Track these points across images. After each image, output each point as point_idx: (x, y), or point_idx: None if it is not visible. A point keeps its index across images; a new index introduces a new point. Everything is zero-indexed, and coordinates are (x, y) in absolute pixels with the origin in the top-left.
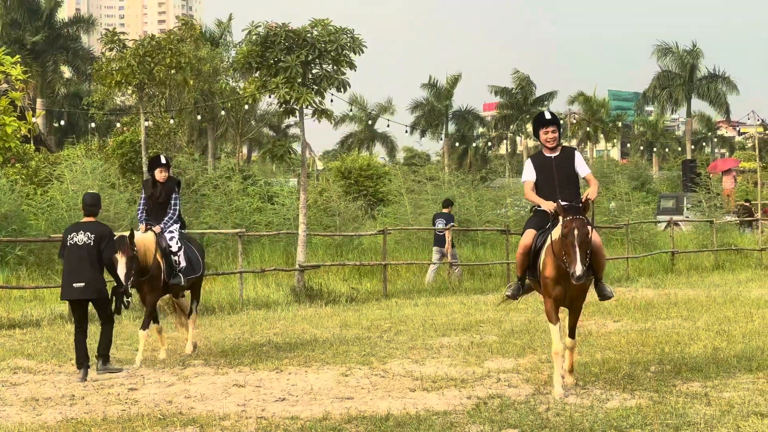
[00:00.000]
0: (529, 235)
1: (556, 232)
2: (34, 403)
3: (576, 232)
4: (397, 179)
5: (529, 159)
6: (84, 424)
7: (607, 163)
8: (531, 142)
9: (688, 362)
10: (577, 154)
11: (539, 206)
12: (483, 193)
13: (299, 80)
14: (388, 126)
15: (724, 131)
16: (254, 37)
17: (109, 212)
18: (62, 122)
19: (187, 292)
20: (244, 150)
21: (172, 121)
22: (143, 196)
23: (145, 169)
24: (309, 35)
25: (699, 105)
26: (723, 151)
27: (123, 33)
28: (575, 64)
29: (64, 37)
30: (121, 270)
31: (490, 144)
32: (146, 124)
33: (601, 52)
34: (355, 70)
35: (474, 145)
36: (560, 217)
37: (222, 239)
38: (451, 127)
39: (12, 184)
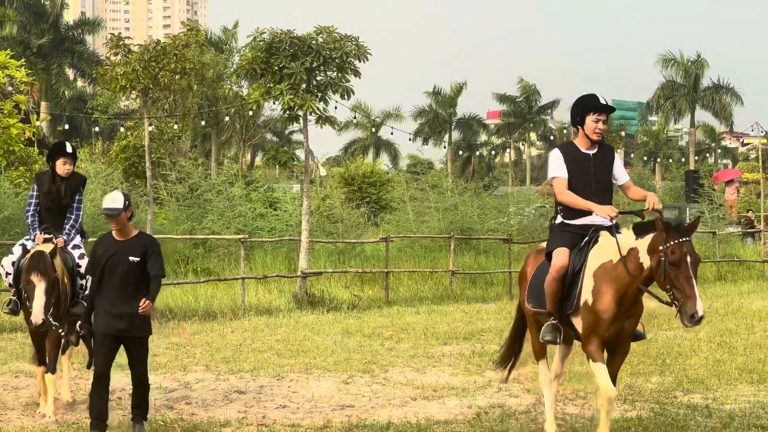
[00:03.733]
0: (564, 254)
1: (611, 253)
2: (36, 407)
3: (689, 259)
4: (400, 186)
5: (558, 150)
6: (84, 428)
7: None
8: (534, 150)
9: (689, 374)
10: (617, 155)
11: (588, 213)
12: (486, 201)
13: (303, 87)
14: (392, 133)
15: (728, 142)
16: (259, 44)
17: None
18: (66, 126)
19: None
20: (248, 156)
21: (176, 126)
22: (35, 193)
23: (148, 174)
24: (314, 42)
25: (703, 115)
26: (726, 161)
27: (128, 38)
28: (579, 73)
29: (69, 40)
30: (39, 300)
31: (493, 152)
32: (150, 128)
33: (605, 61)
34: (360, 78)
35: (477, 153)
36: (661, 237)
37: (224, 245)
38: (455, 135)
39: (15, 188)
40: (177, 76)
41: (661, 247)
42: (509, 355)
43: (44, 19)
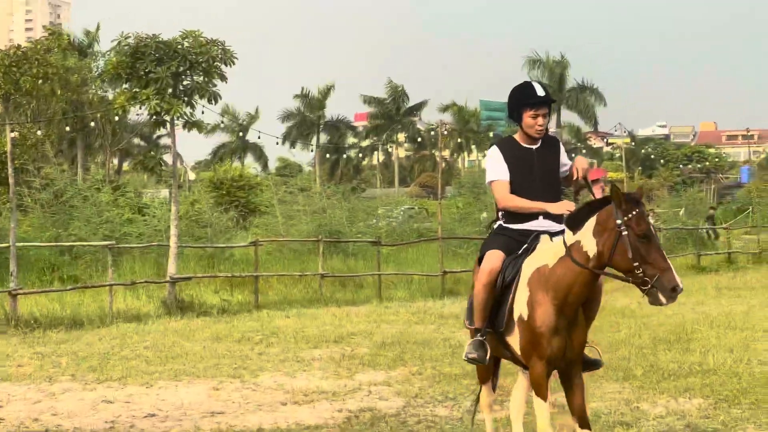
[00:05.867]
0: (497, 257)
1: (549, 257)
2: None
3: (653, 230)
4: (269, 190)
5: (496, 148)
6: None
7: (479, 173)
8: (403, 152)
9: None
10: (561, 145)
11: (534, 216)
12: (355, 204)
13: (170, 91)
14: (259, 137)
15: (593, 142)
16: (124, 48)
17: None
18: None
19: None
20: (115, 161)
21: (39, 132)
22: None
23: (11, 181)
24: (180, 47)
25: (568, 116)
26: (592, 161)
27: None
28: (447, 74)
29: None
30: None
31: (361, 154)
32: (12, 135)
33: (472, 61)
34: (226, 82)
35: (345, 155)
36: (616, 209)
37: (91, 251)
38: (323, 137)
39: None
40: (40, 81)
41: (619, 221)
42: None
43: None
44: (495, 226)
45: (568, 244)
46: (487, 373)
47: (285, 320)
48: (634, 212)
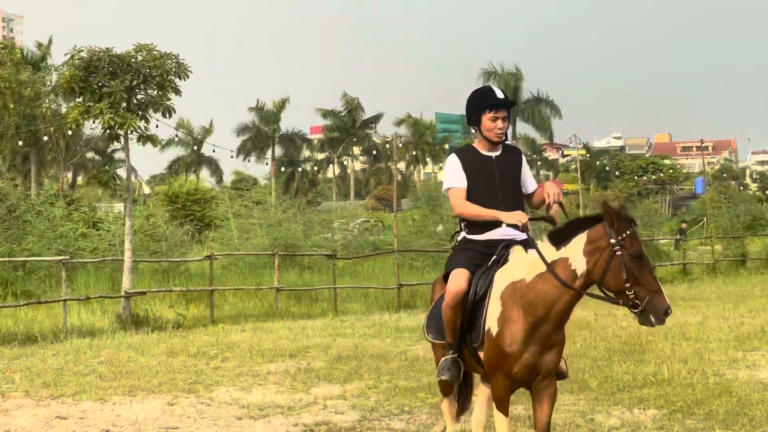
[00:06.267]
0: (462, 276)
1: (525, 271)
2: None
3: (644, 251)
4: (224, 204)
5: (454, 156)
6: None
7: (435, 185)
8: (359, 165)
9: None
10: (524, 158)
11: (495, 225)
12: (310, 217)
13: (124, 105)
14: (213, 151)
15: (549, 154)
16: (77, 61)
17: None
18: None
19: None
20: (69, 175)
21: None
22: None
23: None
24: (133, 60)
25: (524, 128)
26: (548, 173)
27: None
28: (402, 87)
29: None
30: None
31: (316, 167)
32: None
33: (427, 74)
34: (181, 96)
35: (301, 168)
36: (609, 228)
37: (45, 266)
38: (278, 151)
39: None
40: None
41: (612, 241)
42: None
43: None
44: (459, 238)
45: (551, 260)
46: (450, 387)
47: (240, 334)
48: (627, 232)
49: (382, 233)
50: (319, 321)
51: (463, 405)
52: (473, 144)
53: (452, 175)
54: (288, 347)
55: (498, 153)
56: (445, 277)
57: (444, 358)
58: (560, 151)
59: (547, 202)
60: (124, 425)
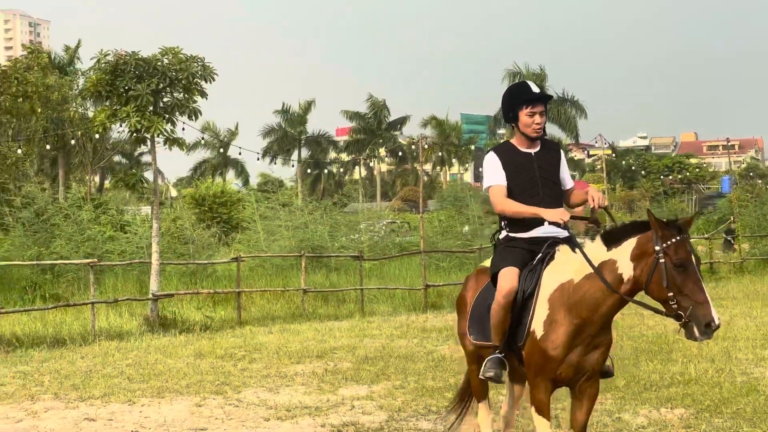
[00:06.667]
0: (513, 275)
1: (573, 271)
2: None
3: (695, 259)
4: (251, 206)
5: (493, 153)
6: None
7: (460, 186)
8: (385, 166)
9: None
10: (562, 154)
11: (538, 222)
12: (336, 219)
13: (150, 109)
14: (240, 154)
15: (574, 154)
16: (103, 65)
17: None
18: None
19: None
20: (96, 178)
21: (19, 151)
22: None
23: None
24: (159, 63)
25: (549, 128)
26: (574, 173)
27: None
28: (428, 88)
29: None
30: None
31: (342, 169)
32: None
33: (453, 75)
34: (207, 98)
35: (327, 170)
36: (655, 235)
37: (73, 269)
38: (304, 153)
39: None
40: (20, 100)
41: (657, 248)
42: (461, 402)
43: None
44: (501, 237)
45: (599, 261)
46: (485, 390)
47: (267, 336)
48: (673, 240)
49: (408, 234)
50: (345, 322)
51: (462, 415)
52: (511, 141)
53: (491, 172)
54: (315, 348)
55: (537, 149)
56: (493, 277)
57: (489, 357)
58: (586, 151)
59: (591, 206)
60: (152, 427)
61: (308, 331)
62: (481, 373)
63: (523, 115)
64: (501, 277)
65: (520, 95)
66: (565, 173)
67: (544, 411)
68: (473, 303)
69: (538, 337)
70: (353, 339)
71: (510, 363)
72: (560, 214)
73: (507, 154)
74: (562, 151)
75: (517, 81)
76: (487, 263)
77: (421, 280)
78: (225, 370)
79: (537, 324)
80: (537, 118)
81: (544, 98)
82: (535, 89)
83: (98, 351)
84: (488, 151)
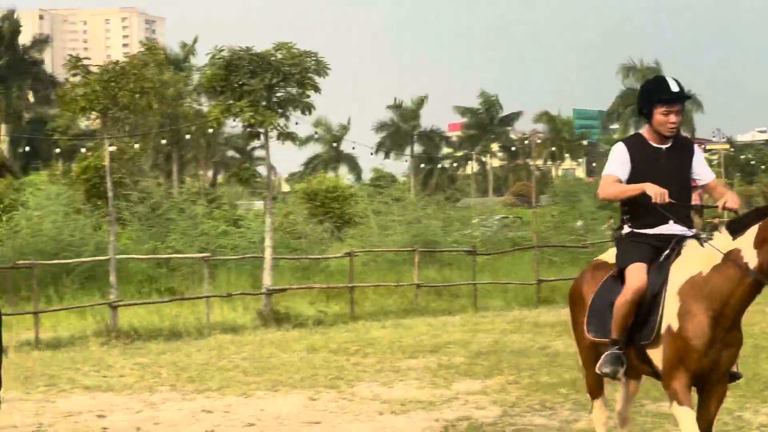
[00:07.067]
0: (642, 271)
1: (701, 264)
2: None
3: None
4: (364, 201)
5: (622, 145)
6: None
7: (573, 181)
8: (497, 162)
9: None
10: (697, 150)
11: (664, 221)
12: (449, 213)
13: (264, 103)
14: (353, 148)
15: None
16: (218, 61)
17: (75, 237)
18: (27, 148)
19: None
20: (210, 173)
21: (136, 146)
22: None
23: (110, 194)
24: (273, 59)
25: None
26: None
27: (86, 58)
28: (540, 83)
29: (26, 62)
30: None
31: (455, 164)
32: (110, 148)
33: (566, 70)
34: (320, 93)
35: (440, 165)
36: (764, 223)
37: (188, 263)
38: (417, 148)
39: None
40: (137, 96)
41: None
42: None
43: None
44: (624, 233)
45: (726, 250)
46: (600, 388)
47: (381, 330)
48: None
49: (520, 229)
50: (458, 317)
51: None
52: (642, 133)
53: (612, 163)
54: (428, 343)
55: (668, 145)
56: (620, 273)
57: (608, 352)
58: (703, 146)
59: (720, 208)
60: (268, 420)
61: (421, 325)
62: (597, 367)
63: (658, 114)
64: (630, 273)
65: (658, 93)
66: (702, 168)
67: (686, 400)
68: (592, 298)
69: (676, 329)
70: (466, 334)
71: (628, 361)
72: (662, 191)
73: (636, 146)
74: (696, 147)
75: (629, 76)
76: (604, 257)
77: (534, 274)
78: (338, 364)
79: (670, 317)
80: (672, 118)
81: (682, 98)
82: (675, 88)
83: (213, 344)
84: (618, 142)
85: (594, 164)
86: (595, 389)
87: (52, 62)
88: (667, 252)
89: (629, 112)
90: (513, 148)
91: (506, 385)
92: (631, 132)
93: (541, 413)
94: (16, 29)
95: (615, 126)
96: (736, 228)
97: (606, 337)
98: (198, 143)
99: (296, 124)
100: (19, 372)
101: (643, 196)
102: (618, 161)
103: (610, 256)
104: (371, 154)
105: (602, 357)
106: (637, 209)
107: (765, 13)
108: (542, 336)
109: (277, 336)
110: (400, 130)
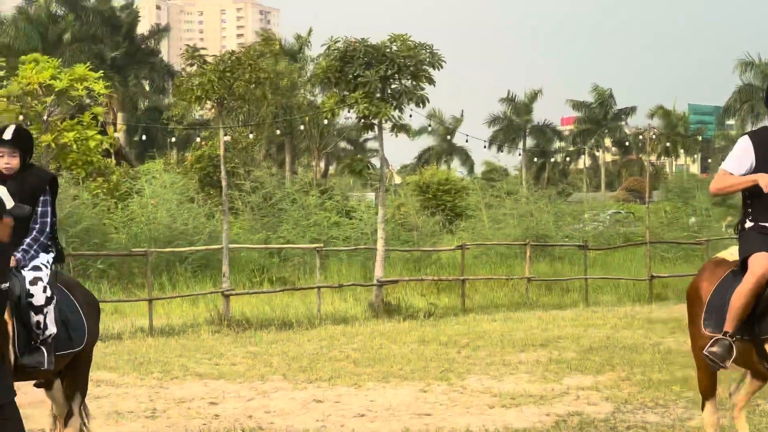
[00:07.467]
0: (765, 259)
1: None
2: (117, 416)
3: None
4: (476, 194)
5: (747, 138)
6: None
7: (687, 177)
8: (609, 156)
9: None
10: None
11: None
12: (561, 208)
13: (378, 95)
14: (466, 141)
15: None
16: (333, 52)
17: (188, 226)
18: (143, 137)
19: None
20: (322, 164)
21: (250, 136)
22: None
23: (224, 183)
24: (388, 50)
25: None
26: None
27: (203, 48)
28: (655, 78)
29: (143, 52)
30: None
31: (568, 158)
32: (225, 138)
33: (681, 65)
34: (434, 86)
35: (552, 159)
36: None
37: (300, 254)
38: (529, 142)
39: (94, 199)
40: (252, 86)
41: None
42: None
43: (118, 30)
44: (747, 226)
45: None
46: (712, 387)
47: (491, 324)
48: None
49: (632, 225)
50: (569, 311)
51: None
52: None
53: (730, 156)
54: (539, 337)
55: None
56: (742, 264)
57: (718, 338)
58: None
59: None
60: (379, 410)
61: (532, 319)
62: (706, 348)
63: None
64: (753, 261)
65: None
66: None
67: None
68: (711, 294)
69: None
70: (577, 328)
71: (746, 356)
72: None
73: (762, 138)
74: None
75: (747, 72)
76: (724, 254)
77: (646, 270)
78: (449, 356)
79: None
80: None
81: None
82: None
83: (324, 334)
84: (743, 135)
85: (709, 160)
86: (708, 389)
87: (168, 52)
88: None
89: (747, 108)
90: (626, 143)
91: (618, 381)
92: (748, 128)
93: (654, 410)
94: (134, 19)
95: (731, 122)
96: None
97: (721, 332)
98: (311, 134)
99: (410, 116)
100: (134, 357)
101: (758, 188)
102: (736, 155)
103: (730, 253)
104: (485, 147)
105: (712, 341)
106: (759, 202)
107: None
108: (654, 332)
109: (388, 327)
110: (512, 123)
